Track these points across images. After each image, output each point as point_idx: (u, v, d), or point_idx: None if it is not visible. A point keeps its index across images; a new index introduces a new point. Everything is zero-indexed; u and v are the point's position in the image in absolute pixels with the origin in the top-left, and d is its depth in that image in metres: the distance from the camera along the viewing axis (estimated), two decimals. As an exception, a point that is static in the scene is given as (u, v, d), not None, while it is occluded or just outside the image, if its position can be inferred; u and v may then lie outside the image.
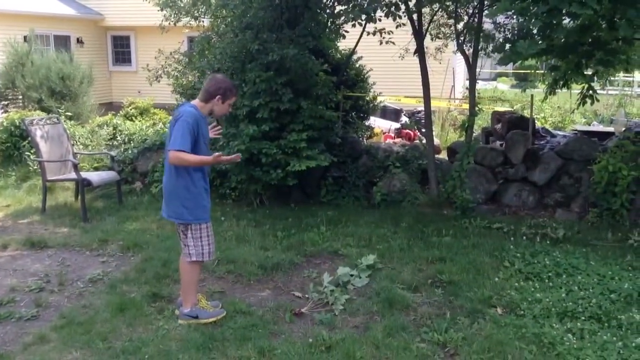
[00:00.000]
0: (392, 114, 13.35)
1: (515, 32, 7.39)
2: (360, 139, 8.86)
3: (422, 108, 8.84)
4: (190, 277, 4.50)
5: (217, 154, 4.24)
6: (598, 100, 7.24)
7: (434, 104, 8.68)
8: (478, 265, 5.50)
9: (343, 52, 9.03)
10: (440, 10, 8.67)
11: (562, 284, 5.03)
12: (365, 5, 6.58)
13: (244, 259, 5.64)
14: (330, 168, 7.80)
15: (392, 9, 6.82)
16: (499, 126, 9.17)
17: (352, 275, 5.20)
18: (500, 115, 9.44)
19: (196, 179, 4.32)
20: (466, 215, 7.10)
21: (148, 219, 7.12)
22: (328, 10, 7.44)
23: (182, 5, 10.30)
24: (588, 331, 4.20)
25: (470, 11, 8.08)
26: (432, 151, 7.84)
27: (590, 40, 5.78)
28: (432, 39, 9.47)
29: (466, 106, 8.78)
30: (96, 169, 8.69)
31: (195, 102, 4.36)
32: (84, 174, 7.53)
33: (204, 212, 4.39)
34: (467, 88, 8.68)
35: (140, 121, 11.63)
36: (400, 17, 7.09)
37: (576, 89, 7.88)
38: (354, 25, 7.32)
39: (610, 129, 10.78)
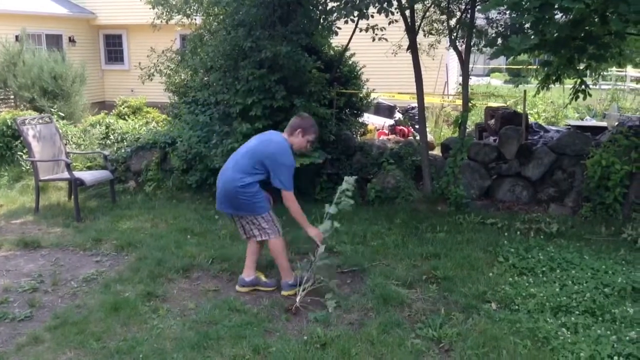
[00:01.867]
0: (385, 110, 13.36)
1: (508, 27, 7.39)
2: (354, 135, 8.86)
3: (416, 104, 8.85)
4: (279, 252, 4.95)
5: (317, 231, 4.88)
6: (590, 95, 7.27)
7: (427, 100, 8.69)
8: (472, 260, 5.51)
9: (336, 48, 9.02)
10: (432, 6, 8.67)
11: (556, 278, 5.04)
12: (358, 1, 6.56)
13: (238, 257, 5.62)
14: (324, 165, 7.79)
15: (385, 5, 6.80)
16: (492, 122, 9.19)
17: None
18: (494, 111, 9.46)
19: (256, 185, 4.83)
20: (460, 211, 7.11)
21: (142, 218, 7.11)
22: (320, 7, 7.42)
23: (173, 3, 10.28)
24: (582, 325, 4.20)
25: (463, 7, 8.07)
26: (426, 147, 7.84)
27: (582, 34, 5.79)
28: (424, 35, 9.46)
29: (459, 102, 8.78)
30: (89, 168, 8.66)
31: (285, 135, 4.89)
32: (76, 174, 7.50)
33: (265, 203, 4.89)
34: (460, 84, 8.68)
35: (133, 120, 11.59)
36: (392, 14, 7.07)
37: (569, 84, 7.90)
38: (346, 22, 7.29)
39: (603, 123, 10.82)
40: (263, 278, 5.08)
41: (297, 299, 4.65)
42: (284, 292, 4.92)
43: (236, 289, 5.02)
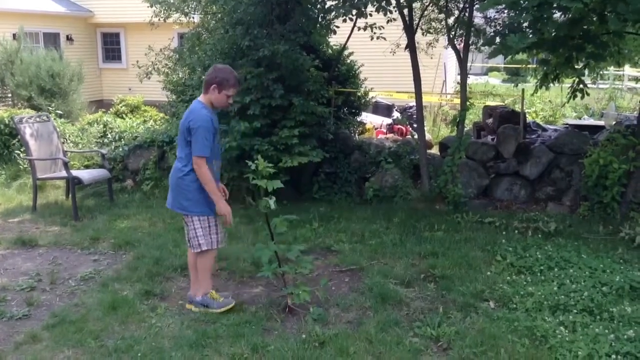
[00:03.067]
0: (383, 109, 13.35)
1: (506, 26, 7.39)
2: (352, 134, 8.86)
3: (414, 103, 8.85)
4: (204, 265, 4.57)
5: (227, 210, 4.38)
6: (588, 94, 7.26)
7: (425, 99, 8.68)
8: (470, 259, 5.51)
9: (334, 47, 9.01)
10: (430, 4, 8.67)
11: (554, 277, 5.05)
12: (356, 0, 6.56)
13: (236, 256, 5.63)
14: (322, 164, 7.80)
15: (383, 3, 6.81)
16: (490, 121, 9.19)
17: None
18: (492, 110, 9.46)
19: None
20: (458, 210, 7.11)
21: (139, 216, 7.10)
22: (319, 6, 7.41)
23: (171, 1, 10.25)
24: (580, 324, 4.21)
25: (461, 5, 8.08)
26: (424, 146, 7.84)
27: (580, 33, 5.79)
28: (423, 34, 9.46)
29: (457, 101, 8.78)
30: (87, 167, 8.66)
31: (200, 97, 4.42)
32: (74, 172, 7.49)
33: (208, 206, 4.43)
34: (458, 83, 8.68)
35: (131, 118, 11.57)
36: (391, 12, 7.08)
37: (567, 83, 7.90)
38: (344, 21, 7.30)
39: (601, 122, 10.83)
40: (215, 296, 4.63)
41: (289, 300, 4.62)
42: (188, 305, 4.63)
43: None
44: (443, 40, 9.89)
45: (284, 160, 6.99)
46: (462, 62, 7.63)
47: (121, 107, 13.84)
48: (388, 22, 7.49)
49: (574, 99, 7.25)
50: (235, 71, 4.45)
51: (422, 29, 9.23)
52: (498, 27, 7.86)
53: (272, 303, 4.71)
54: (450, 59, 16.92)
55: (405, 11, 7.56)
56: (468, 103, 7.74)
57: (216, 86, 4.32)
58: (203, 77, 8.14)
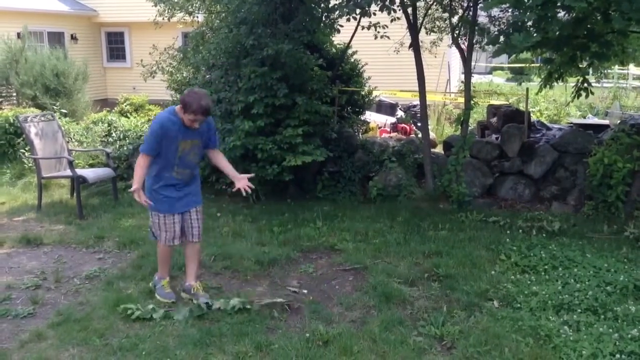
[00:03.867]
0: (387, 108, 13.34)
1: (510, 25, 7.39)
2: (356, 133, 8.86)
3: (418, 102, 8.84)
4: (159, 255, 4.90)
5: (135, 188, 4.45)
6: (593, 93, 7.26)
7: (429, 98, 8.68)
8: (474, 258, 5.51)
9: (338, 46, 9.01)
10: (434, 3, 8.67)
11: (558, 276, 5.04)
12: (360, -1, 6.56)
13: (240, 254, 5.64)
14: (326, 163, 7.79)
15: (387, 2, 6.81)
16: (494, 120, 9.18)
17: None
18: (496, 109, 9.45)
19: (157, 177, 4.60)
20: (462, 209, 7.11)
21: (144, 215, 7.09)
22: (322, 5, 7.41)
23: (176, 0, 10.26)
24: (584, 323, 4.21)
25: (465, 4, 8.07)
26: (428, 145, 7.84)
27: (585, 32, 5.78)
28: (427, 33, 9.46)
29: (461, 100, 8.78)
30: (91, 165, 8.68)
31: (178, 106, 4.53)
32: (79, 171, 7.51)
33: (160, 204, 4.61)
34: (462, 82, 8.68)
35: (135, 117, 11.61)
36: (394, 11, 7.08)
37: (571, 82, 7.89)
38: (348, 20, 7.30)
39: (606, 121, 10.81)
40: (164, 285, 4.86)
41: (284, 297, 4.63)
42: (151, 285, 4.94)
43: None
44: (447, 39, 9.87)
45: (288, 159, 6.99)
46: (466, 61, 7.63)
47: (125, 106, 13.86)
48: (392, 21, 7.48)
49: (578, 97, 7.25)
50: (205, 100, 4.42)
51: (426, 28, 9.23)
52: (502, 26, 7.86)
53: (276, 302, 4.70)
54: (454, 57, 16.91)
55: (409, 10, 7.56)
56: (472, 102, 7.75)
57: (181, 107, 4.44)
58: (207, 76, 8.24)
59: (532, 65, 12.50)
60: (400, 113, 13.07)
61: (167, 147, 4.48)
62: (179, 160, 4.57)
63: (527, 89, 8.70)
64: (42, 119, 7.81)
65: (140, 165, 4.48)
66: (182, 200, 4.68)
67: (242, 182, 4.74)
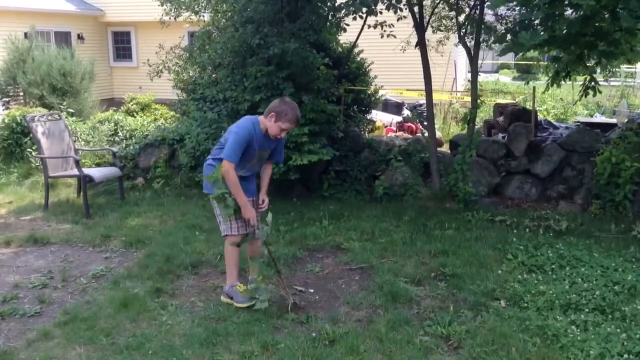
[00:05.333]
0: (393, 107, 13.33)
1: (517, 23, 7.37)
2: (362, 132, 8.84)
3: (424, 101, 8.83)
4: (227, 255, 4.73)
5: (254, 214, 4.49)
6: (600, 92, 7.22)
7: (435, 97, 8.66)
8: (481, 258, 5.49)
9: (344, 45, 8.99)
10: (441, 2, 8.64)
11: (566, 276, 5.02)
12: (366, -2, 6.55)
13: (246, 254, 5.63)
14: (332, 162, 7.79)
15: (393, 1, 6.80)
16: (501, 118, 9.15)
17: None
18: (503, 108, 9.42)
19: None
20: (469, 208, 7.09)
21: (150, 214, 7.13)
22: (329, 4, 7.40)
23: (182, 0, 10.27)
24: (592, 323, 4.19)
25: (472, 3, 8.04)
26: (434, 144, 7.82)
27: (592, 31, 5.75)
28: (433, 32, 9.43)
29: (468, 99, 8.75)
30: (98, 165, 8.70)
31: (261, 117, 4.55)
32: (85, 170, 7.53)
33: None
34: (469, 80, 8.65)
35: (141, 117, 11.62)
36: (401, 10, 7.07)
37: (579, 80, 7.86)
38: (354, 19, 7.29)
39: (613, 120, 10.76)
40: (242, 290, 4.70)
41: (290, 298, 4.61)
42: (222, 298, 4.76)
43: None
44: (453, 37, 9.86)
45: (294, 159, 6.99)
46: (473, 59, 7.60)
47: (132, 105, 13.89)
48: (398, 19, 7.47)
49: (585, 96, 7.21)
50: (298, 111, 4.55)
51: (432, 27, 9.20)
52: (509, 25, 7.83)
53: (283, 301, 4.70)
54: (461, 56, 16.86)
55: (416, 9, 7.54)
56: (479, 101, 7.71)
57: (274, 115, 4.42)
58: (213, 75, 8.24)
59: (539, 63, 12.44)
60: (406, 112, 13.06)
61: (246, 156, 4.45)
62: (250, 167, 4.59)
63: (534, 87, 8.66)
64: (49, 118, 7.83)
65: (231, 175, 4.34)
66: (248, 187, 4.62)
67: (262, 196, 4.71)
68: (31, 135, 7.73)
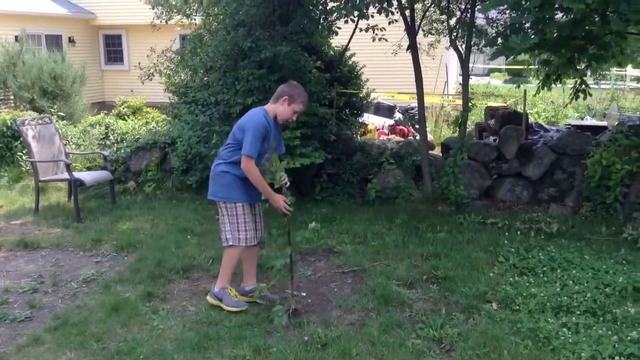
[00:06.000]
0: (385, 110, 13.35)
1: (508, 26, 7.40)
2: (354, 135, 8.85)
3: (416, 104, 8.84)
4: (226, 262, 4.65)
5: (282, 199, 4.42)
6: (591, 95, 7.26)
7: (427, 100, 8.68)
8: (473, 260, 5.50)
9: (336, 48, 9.01)
10: (432, 6, 8.67)
11: (557, 278, 5.03)
12: (358, 1, 6.55)
13: (238, 257, 5.61)
14: (325, 165, 7.79)
15: (385, 5, 6.80)
16: (492, 121, 9.19)
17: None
18: (494, 111, 9.46)
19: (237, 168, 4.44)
20: (460, 211, 7.10)
21: (142, 218, 7.10)
22: (320, 7, 7.41)
23: (173, 3, 10.26)
24: (583, 325, 4.20)
25: (463, 6, 8.07)
26: (426, 147, 7.83)
27: (582, 34, 5.78)
28: (424, 35, 9.46)
29: (459, 102, 8.77)
30: (89, 168, 8.66)
31: (267, 105, 4.54)
32: (76, 174, 7.49)
33: (240, 194, 4.47)
34: (460, 84, 8.68)
35: (132, 120, 11.59)
36: (392, 14, 7.08)
37: (569, 83, 7.90)
38: (346, 22, 7.30)
39: (603, 123, 10.82)
40: (232, 294, 4.69)
41: (293, 302, 4.60)
42: (208, 297, 4.71)
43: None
44: (445, 41, 9.87)
45: (286, 162, 6.97)
46: (464, 63, 7.63)
47: (123, 108, 13.85)
48: (390, 23, 7.48)
49: (576, 99, 7.25)
50: (305, 92, 4.57)
51: (423, 30, 9.23)
52: (500, 28, 7.85)
53: (273, 305, 4.68)
54: (452, 60, 16.92)
55: (407, 12, 7.56)
56: (470, 104, 7.74)
57: (287, 98, 4.42)
58: (205, 78, 8.23)
59: (530, 67, 12.51)
60: (398, 115, 13.07)
61: (261, 150, 4.41)
62: (262, 162, 4.50)
63: (525, 90, 8.69)
64: (40, 122, 7.80)
65: (253, 170, 4.32)
66: (253, 194, 4.56)
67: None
68: (21, 139, 7.68)
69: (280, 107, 4.46)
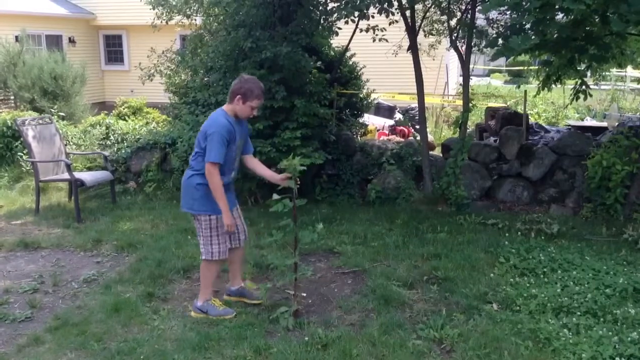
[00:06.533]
0: (386, 111, 13.34)
1: (508, 27, 7.41)
2: (355, 136, 8.85)
3: (416, 105, 8.84)
4: (203, 274, 4.60)
5: (229, 221, 4.37)
6: (591, 96, 7.26)
7: (427, 100, 8.68)
8: (473, 261, 5.50)
9: (336, 49, 9.01)
10: (433, 6, 8.67)
11: (558, 279, 5.03)
12: (358, 2, 6.56)
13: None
14: (325, 166, 7.79)
15: (385, 5, 6.80)
16: (492, 122, 9.19)
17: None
18: (494, 111, 9.46)
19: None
20: (461, 212, 7.10)
21: (142, 218, 7.10)
22: (321, 8, 7.41)
23: (174, 3, 10.27)
24: (584, 326, 4.20)
25: (463, 7, 8.07)
26: (426, 148, 7.84)
27: (583, 35, 5.78)
28: (425, 36, 9.47)
29: (460, 102, 8.78)
30: (89, 169, 8.66)
31: (225, 106, 4.45)
32: (77, 174, 7.50)
33: (215, 206, 4.37)
34: (460, 84, 8.69)
35: (133, 120, 11.57)
36: (393, 14, 7.08)
37: (569, 84, 7.90)
38: (347, 22, 7.31)
39: (604, 124, 10.81)
40: (218, 303, 4.65)
41: (294, 304, 4.59)
42: (192, 313, 4.59)
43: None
44: (445, 41, 9.88)
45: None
46: (464, 63, 7.63)
47: (123, 109, 13.83)
48: (390, 23, 7.49)
49: (576, 100, 7.25)
50: (261, 82, 4.47)
51: (424, 31, 9.24)
52: (500, 29, 7.86)
53: (276, 305, 4.68)
54: (453, 60, 16.92)
55: (408, 13, 7.56)
56: (470, 104, 7.74)
57: (241, 97, 4.33)
58: (205, 78, 8.23)
59: (530, 67, 12.51)
60: (398, 116, 13.06)
61: (230, 153, 4.35)
62: (234, 166, 4.48)
63: (525, 91, 8.70)
64: (40, 122, 7.80)
65: (216, 178, 4.26)
66: (229, 198, 4.50)
67: (284, 178, 4.49)
68: (22, 139, 7.68)
69: (237, 107, 4.36)
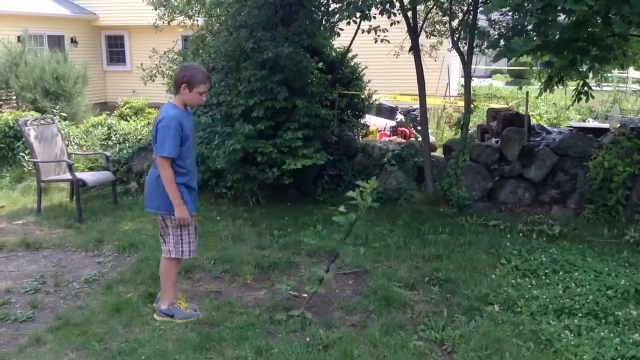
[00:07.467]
0: (387, 111, 13.35)
1: (510, 28, 7.41)
2: (356, 137, 8.85)
3: (418, 106, 8.84)
4: (167, 275, 4.51)
5: (185, 215, 4.28)
6: (593, 97, 7.25)
7: (429, 101, 8.68)
8: (475, 262, 5.50)
9: (338, 50, 9.01)
10: (434, 7, 8.67)
11: (559, 280, 5.03)
12: (360, 3, 6.56)
13: (240, 258, 5.62)
14: (326, 166, 7.79)
15: (387, 6, 6.81)
16: (494, 123, 9.18)
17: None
18: (496, 112, 9.44)
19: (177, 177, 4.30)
20: (462, 213, 7.10)
21: (144, 219, 7.10)
22: (322, 8, 7.42)
23: (176, 4, 10.27)
24: (585, 328, 4.19)
25: (465, 8, 8.07)
26: (428, 149, 7.83)
27: (585, 36, 5.78)
28: (427, 37, 9.46)
29: (461, 103, 8.78)
30: (91, 169, 8.67)
31: (173, 99, 4.36)
32: (78, 175, 7.50)
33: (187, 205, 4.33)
34: (462, 85, 8.68)
35: (135, 121, 11.59)
36: (394, 15, 7.09)
37: (571, 85, 7.89)
38: (348, 23, 7.31)
39: (606, 125, 10.81)
40: (183, 305, 4.54)
41: (302, 308, 4.59)
42: (155, 316, 4.50)
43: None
44: (447, 42, 9.88)
45: (288, 163, 6.98)
46: (466, 64, 7.62)
47: (125, 109, 13.85)
48: (392, 24, 7.49)
49: (578, 101, 7.24)
50: (203, 67, 4.38)
51: (426, 32, 9.23)
52: (502, 30, 7.86)
53: (277, 306, 4.69)
54: (454, 61, 16.93)
55: (409, 14, 7.56)
56: (472, 106, 7.74)
57: (186, 85, 4.22)
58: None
59: (532, 68, 12.51)
60: (400, 116, 13.07)
61: (187, 146, 4.27)
62: (189, 155, 4.36)
63: (527, 92, 8.69)
64: (42, 122, 7.81)
65: (168, 172, 4.18)
66: (194, 207, 4.49)
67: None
68: (24, 139, 7.70)
69: (185, 97, 4.25)
